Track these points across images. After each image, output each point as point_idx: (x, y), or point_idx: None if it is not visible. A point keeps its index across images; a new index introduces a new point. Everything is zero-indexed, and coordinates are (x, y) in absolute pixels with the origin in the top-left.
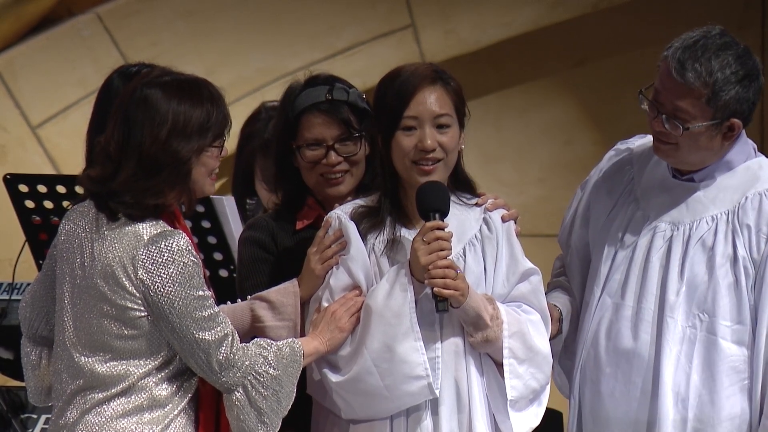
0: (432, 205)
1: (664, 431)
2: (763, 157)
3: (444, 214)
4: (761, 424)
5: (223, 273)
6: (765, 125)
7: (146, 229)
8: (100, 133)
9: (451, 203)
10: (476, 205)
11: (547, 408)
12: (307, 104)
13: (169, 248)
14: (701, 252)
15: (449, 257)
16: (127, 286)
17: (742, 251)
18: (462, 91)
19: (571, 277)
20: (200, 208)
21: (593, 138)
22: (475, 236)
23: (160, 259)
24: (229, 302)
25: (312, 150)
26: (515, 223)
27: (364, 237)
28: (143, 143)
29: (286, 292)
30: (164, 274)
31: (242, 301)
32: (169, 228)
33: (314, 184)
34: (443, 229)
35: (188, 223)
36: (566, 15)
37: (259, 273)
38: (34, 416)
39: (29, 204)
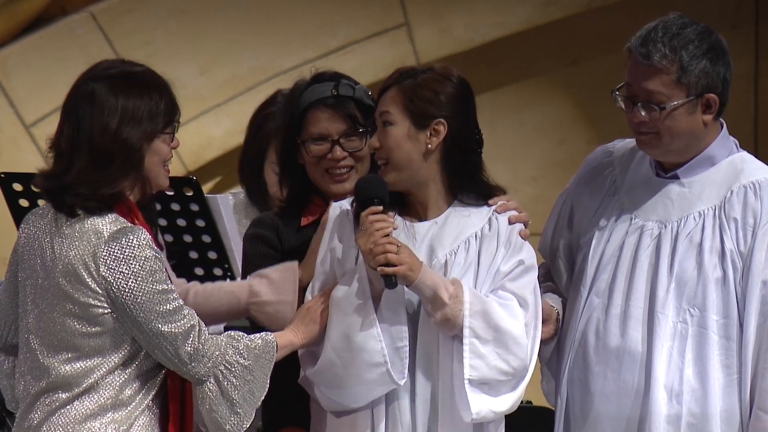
0: (367, 195)
1: (656, 427)
2: (744, 152)
3: (381, 199)
4: (752, 415)
5: (218, 272)
6: (759, 124)
7: (106, 226)
8: None
9: (455, 203)
10: (486, 205)
11: (537, 405)
12: (313, 99)
13: (129, 244)
14: (690, 248)
15: (390, 234)
16: (90, 283)
17: (729, 245)
18: (432, 88)
19: (559, 283)
20: (195, 207)
21: (587, 137)
22: (475, 234)
23: (121, 256)
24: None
25: (317, 145)
26: (525, 227)
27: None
28: (93, 135)
29: (285, 269)
30: (126, 270)
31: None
32: (129, 224)
33: (319, 180)
34: (380, 213)
35: (182, 222)
36: (559, 14)
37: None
38: None
39: (23, 203)
